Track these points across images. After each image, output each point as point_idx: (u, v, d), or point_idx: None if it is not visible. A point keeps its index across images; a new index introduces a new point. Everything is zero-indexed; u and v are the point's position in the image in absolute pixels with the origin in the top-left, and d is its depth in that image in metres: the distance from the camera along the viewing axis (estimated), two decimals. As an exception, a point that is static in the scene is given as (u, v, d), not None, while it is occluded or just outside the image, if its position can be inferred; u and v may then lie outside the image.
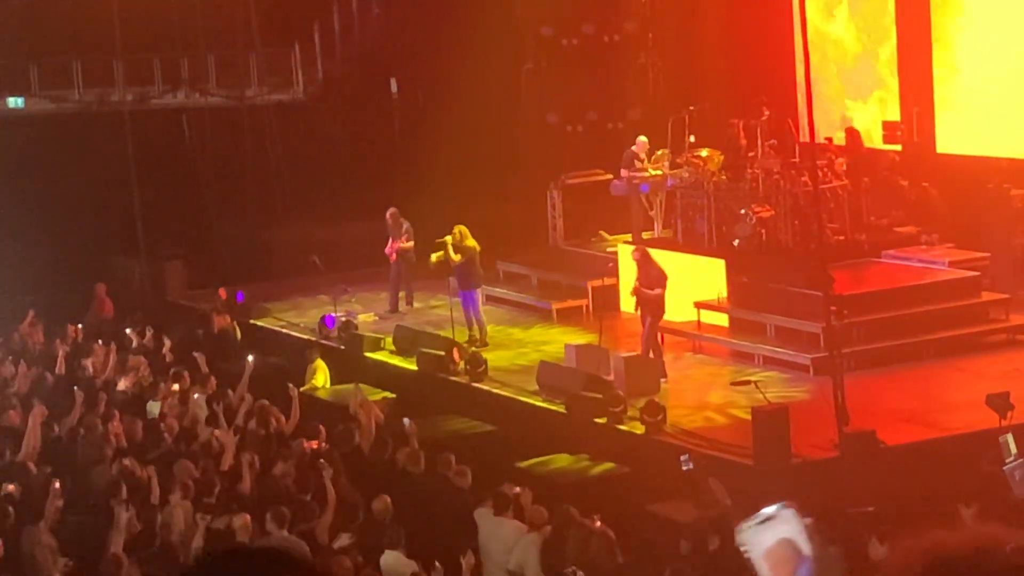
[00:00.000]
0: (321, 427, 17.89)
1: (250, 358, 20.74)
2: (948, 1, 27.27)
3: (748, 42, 29.66)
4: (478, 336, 24.83)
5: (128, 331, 24.22)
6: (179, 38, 32.47)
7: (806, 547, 5.00)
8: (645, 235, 26.93)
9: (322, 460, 16.07)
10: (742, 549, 4.94)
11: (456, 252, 24.90)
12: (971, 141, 26.92)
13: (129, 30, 30.35)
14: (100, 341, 23.29)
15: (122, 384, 20.92)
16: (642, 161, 26.94)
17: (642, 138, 27.14)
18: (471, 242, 25.14)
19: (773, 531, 5.03)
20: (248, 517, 14.34)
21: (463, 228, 25.20)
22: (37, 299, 26.45)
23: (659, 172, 26.83)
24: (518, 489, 15.31)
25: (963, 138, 27.10)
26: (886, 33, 28.24)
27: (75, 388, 19.68)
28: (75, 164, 30.77)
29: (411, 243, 27.27)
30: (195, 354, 21.42)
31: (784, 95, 27.62)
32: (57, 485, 15.66)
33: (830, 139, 26.34)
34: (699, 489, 16.65)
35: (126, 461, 16.61)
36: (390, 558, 13.98)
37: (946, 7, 27.31)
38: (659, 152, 26.90)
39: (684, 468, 17.39)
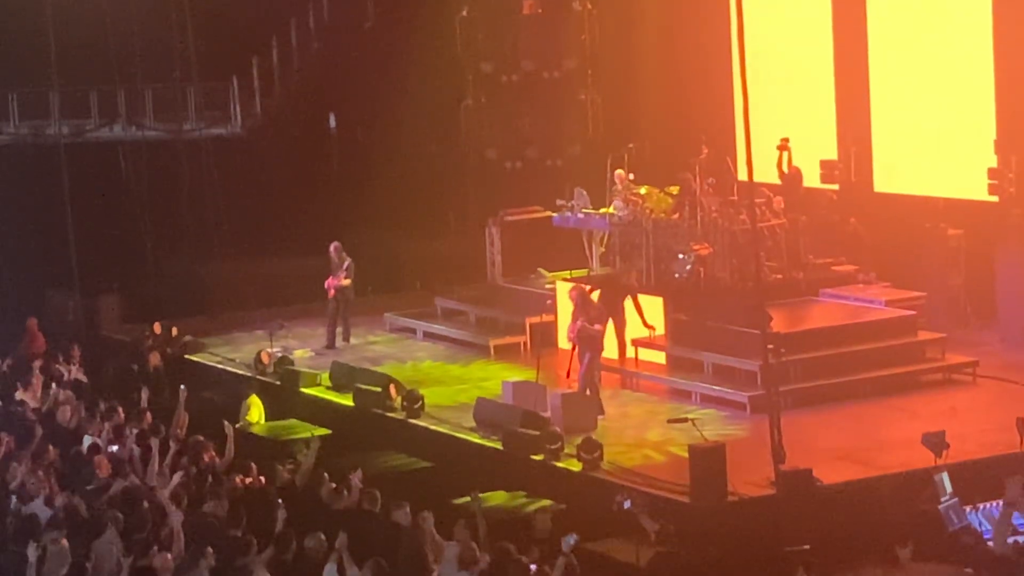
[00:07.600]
0: (252, 464, 17.73)
1: (183, 387, 20.62)
2: (886, 42, 27.42)
3: (688, 80, 29.75)
4: None
5: (58, 365, 23.90)
6: (116, 71, 32.21)
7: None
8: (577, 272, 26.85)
9: (280, 500, 15.96)
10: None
11: None
12: (908, 181, 27.04)
13: (65, 62, 30.10)
14: (35, 375, 22.96)
15: (58, 418, 20.69)
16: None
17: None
18: None
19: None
20: (168, 556, 14.20)
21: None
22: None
23: (589, 210, 26.76)
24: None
25: (900, 178, 27.22)
26: (825, 72, 28.35)
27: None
28: (9, 197, 30.42)
29: (349, 280, 27.08)
30: (142, 388, 21.23)
31: (723, 133, 27.67)
32: None
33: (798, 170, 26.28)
34: (635, 527, 16.60)
35: (61, 497, 16.41)
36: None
37: (884, 47, 27.45)
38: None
39: (624, 507, 17.31)
